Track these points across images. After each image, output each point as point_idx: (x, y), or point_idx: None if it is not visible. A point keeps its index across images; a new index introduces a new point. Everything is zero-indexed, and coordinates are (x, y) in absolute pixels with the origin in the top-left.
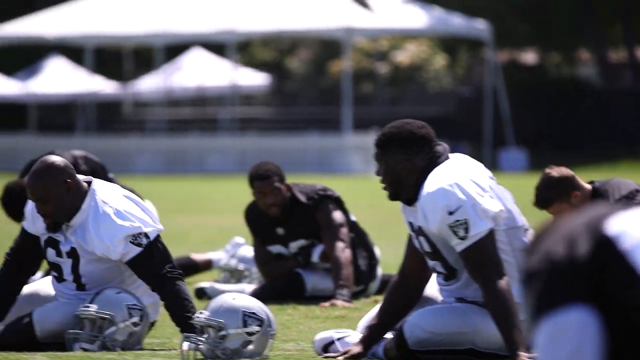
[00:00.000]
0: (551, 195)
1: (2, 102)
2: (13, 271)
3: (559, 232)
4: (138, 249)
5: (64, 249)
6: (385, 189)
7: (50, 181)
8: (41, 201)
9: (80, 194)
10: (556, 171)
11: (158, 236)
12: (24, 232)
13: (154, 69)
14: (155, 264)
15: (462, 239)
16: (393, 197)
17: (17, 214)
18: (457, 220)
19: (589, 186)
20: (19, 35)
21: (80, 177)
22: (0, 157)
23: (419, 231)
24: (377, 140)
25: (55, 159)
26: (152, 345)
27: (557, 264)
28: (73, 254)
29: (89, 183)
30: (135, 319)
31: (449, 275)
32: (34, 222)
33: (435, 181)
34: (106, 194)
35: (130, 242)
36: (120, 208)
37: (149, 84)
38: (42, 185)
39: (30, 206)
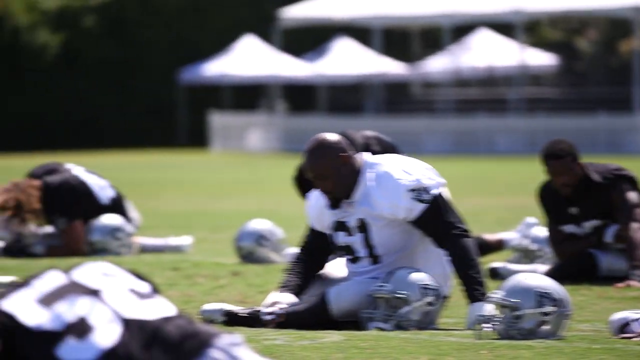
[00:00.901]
0: None
1: (293, 84)
2: (306, 263)
3: None
4: (421, 206)
5: (352, 224)
6: None
7: (325, 157)
8: (320, 178)
9: (356, 167)
10: None
11: (440, 191)
12: (311, 230)
13: (441, 49)
14: (439, 220)
15: None
16: None
17: (308, 193)
18: None
19: None
20: (307, 17)
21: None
22: (291, 138)
23: None
24: None
25: (327, 135)
26: (446, 325)
27: None
28: (362, 227)
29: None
30: (430, 299)
31: None
32: (318, 218)
33: None
34: (380, 159)
35: (412, 198)
36: (397, 166)
37: (436, 64)
38: (319, 162)
39: (312, 203)
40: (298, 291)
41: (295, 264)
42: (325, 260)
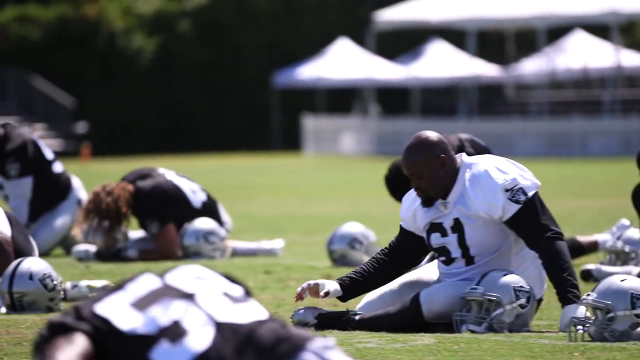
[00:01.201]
0: None
1: (386, 86)
2: (388, 263)
3: None
4: (516, 206)
5: (447, 224)
6: None
7: (425, 156)
8: (416, 176)
9: (454, 169)
10: None
11: (536, 193)
12: (402, 230)
13: (536, 51)
14: (533, 222)
15: None
16: None
17: (398, 193)
18: None
19: None
20: (402, 20)
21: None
22: (385, 141)
23: None
24: None
25: (429, 134)
26: (539, 327)
27: None
28: (457, 227)
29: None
30: (522, 301)
31: None
32: (412, 219)
33: None
34: (477, 159)
35: (508, 198)
36: (493, 165)
37: (531, 66)
38: (417, 160)
39: (407, 204)
40: (351, 285)
41: (371, 260)
42: (409, 262)
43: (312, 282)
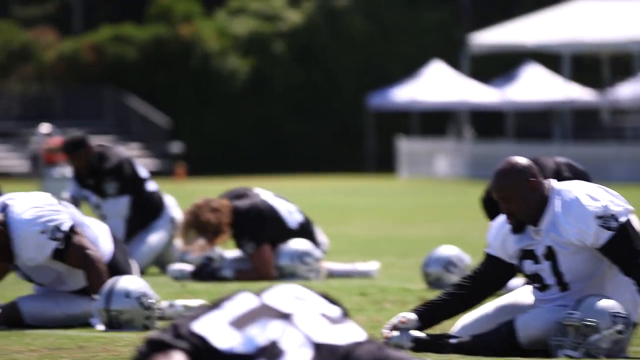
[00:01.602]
0: None
1: (481, 110)
2: (471, 289)
3: None
4: (608, 233)
5: (540, 252)
6: None
7: (514, 180)
8: (505, 200)
9: (544, 194)
10: None
11: (628, 219)
12: (488, 256)
13: (631, 75)
14: (626, 248)
15: None
16: None
17: (495, 216)
18: None
19: None
20: (497, 43)
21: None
22: (479, 164)
23: None
24: None
25: (518, 158)
26: (636, 354)
27: None
28: (550, 255)
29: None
30: (620, 327)
31: None
32: (501, 246)
33: None
34: (567, 185)
35: (600, 225)
36: (584, 192)
37: (626, 91)
38: (506, 184)
39: (496, 229)
40: (428, 313)
41: (454, 287)
42: (494, 288)
43: (389, 324)
